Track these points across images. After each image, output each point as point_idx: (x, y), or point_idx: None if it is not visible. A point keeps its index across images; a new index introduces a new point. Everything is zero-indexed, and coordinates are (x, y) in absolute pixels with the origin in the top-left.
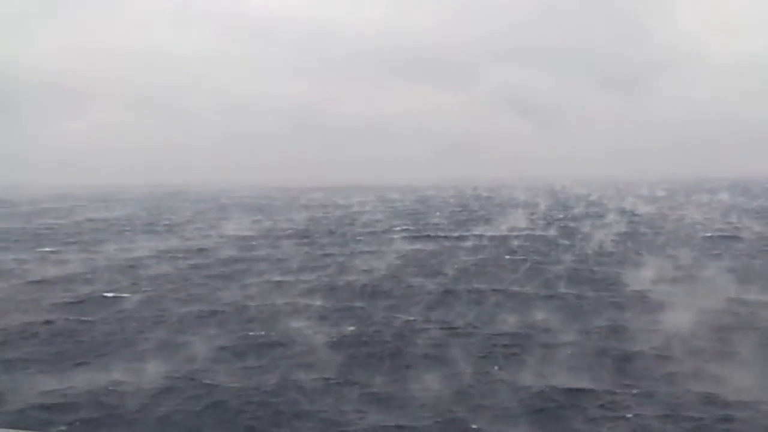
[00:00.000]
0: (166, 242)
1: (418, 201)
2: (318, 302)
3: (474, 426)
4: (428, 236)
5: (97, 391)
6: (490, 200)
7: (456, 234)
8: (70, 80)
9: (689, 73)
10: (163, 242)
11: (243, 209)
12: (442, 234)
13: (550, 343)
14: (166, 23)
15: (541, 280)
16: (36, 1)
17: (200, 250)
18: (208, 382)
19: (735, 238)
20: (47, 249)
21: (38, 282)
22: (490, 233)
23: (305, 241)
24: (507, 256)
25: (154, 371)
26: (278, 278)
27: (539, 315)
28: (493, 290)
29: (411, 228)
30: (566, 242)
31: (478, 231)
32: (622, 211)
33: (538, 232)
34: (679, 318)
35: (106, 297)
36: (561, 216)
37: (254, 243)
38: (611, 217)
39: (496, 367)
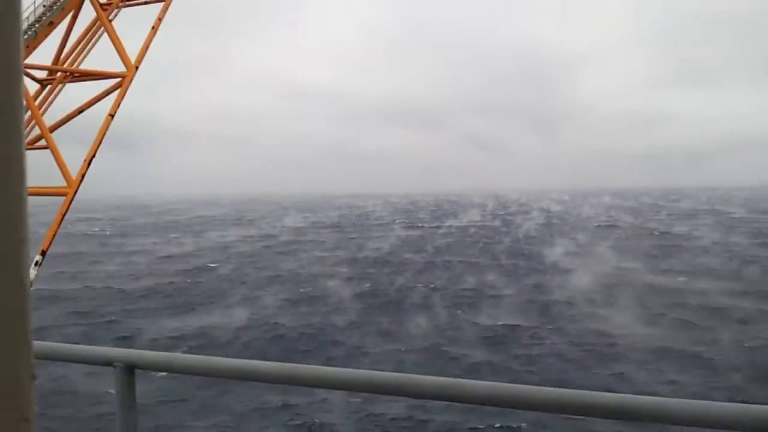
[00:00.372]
0: (247, 231)
1: (410, 204)
2: (344, 269)
3: (447, 350)
4: (416, 226)
5: (202, 328)
6: (456, 203)
7: (434, 225)
8: (184, 126)
9: (584, 121)
10: (245, 231)
11: (297, 209)
12: (426, 225)
13: (496, 295)
14: (245, 87)
15: (489, 254)
16: (164, 72)
17: (269, 236)
18: (274, 322)
19: (615, 227)
20: (172, 236)
21: (165, 257)
22: (456, 224)
23: (337, 229)
24: (467, 239)
25: (238, 315)
26: (319, 254)
27: (489, 277)
28: (459, 261)
29: (405, 221)
30: (505, 229)
31: (448, 222)
32: (541, 209)
33: (487, 223)
34: (580, 279)
35: (209, 267)
36: (502, 212)
37: (304, 231)
38: (534, 213)
39: (460, 312)
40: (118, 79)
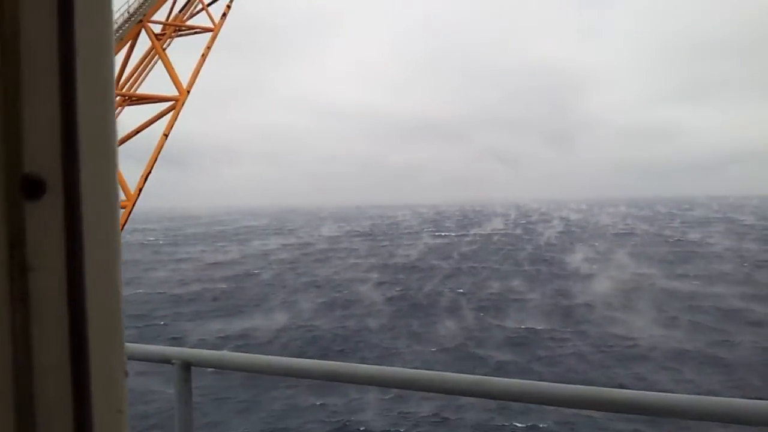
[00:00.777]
0: (287, 239)
1: (436, 214)
2: (376, 275)
3: (476, 352)
4: (443, 235)
5: (245, 329)
6: (480, 213)
7: (460, 233)
8: (231, 144)
9: (598, 133)
10: (284, 239)
11: (332, 219)
12: (452, 233)
13: (520, 300)
14: (285, 108)
15: (512, 261)
16: (213, 95)
17: (307, 244)
18: (312, 324)
19: (632, 234)
20: (219, 244)
21: (213, 264)
22: (480, 232)
23: (369, 238)
24: (491, 246)
25: (278, 318)
26: (353, 261)
27: (513, 282)
28: (483, 267)
29: (432, 230)
30: (527, 237)
31: (473, 231)
32: (561, 218)
33: (510, 231)
34: (599, 284)
35: (252, 273)
36: (524, 221)
37: (339, 239)
38: (554, 222)
39: (485, 315)
40: (172, 102)
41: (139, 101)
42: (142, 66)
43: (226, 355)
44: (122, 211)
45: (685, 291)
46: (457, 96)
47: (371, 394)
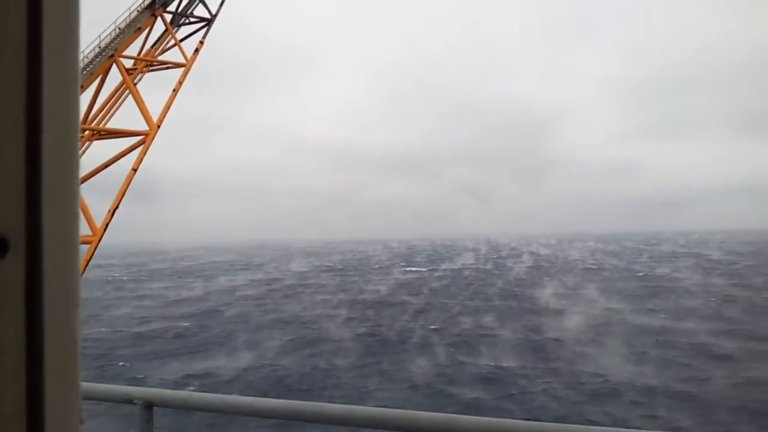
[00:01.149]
0: (254, 275)
1: (407, 248)
2: (345, 312)
3: (449, 390)
4: (413, 270)
5: (208, 369)
6: (450, 247)
7: (430, 268)
8: (198, 179)
9: (566, 170)
10: (252, 275)
11: (302, 254)
12: (422, 268)
13: (491, 336)
14: (256, 142)
15: (483, 296)
16: (182, 128)
17: (275, 279)
18: (278, 363)
19: (601, 269)
20: (184, 280)
21: (175, 301)
22: (451, 267)
23: (339, 273)
24: (462, 281)
25: (243, 356)
26: (321, 297)
27: (484, 319)
28: (454, 303)
29: (403, 264)
30: (498, 272)
31: (444, 266)
32: (531, 253)
33: (480, 266)
34: (570, 320)
35: (216, 310)
36: (494, 256)
37: (308, 275)
38: (524, 256)
39: (458, 353)
40: (141, 137)
41: (109, 136)
42: (112, 100)
43: (189, 394)
44: (87, 246)
45: (655, 326)
46: (430, 132)
47: (340, 430)
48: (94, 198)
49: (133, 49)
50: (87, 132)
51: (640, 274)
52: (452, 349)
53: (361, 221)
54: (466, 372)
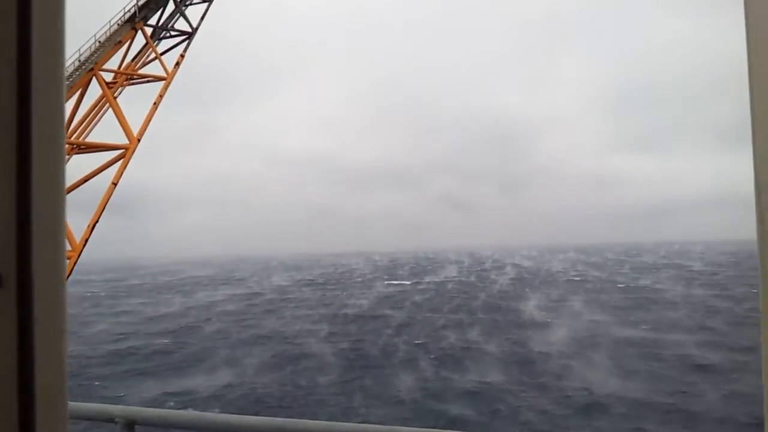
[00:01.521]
0: (235, 290)
1: (390, 261)
2: (326, 327)
3: (435, 407)
4: (396, 283)
5: (187, 387)
6: (434, 260)
7: (414, 281)
8: (182, 191)
9: (547, 182)
10: (232, 290)
11: (283, 268)
12: (405, 281)
13: (476, 349)
14: (238, 155)
15: (466, 310)
16: (164, 140)
17: (255, 294)
18: (257, 381)
19: (584, 281)
20: (163, 296)
21: (152, 317)
22: (434, 280)
23: (320, 287)
24: (445, 295)
25: (222, 374)
26: (302, 312)
27: (468, 333)
28: (437, 316)
29: (386, 278)
30: (481, 285)
31: (427, 279)
32: (513, 265)
33: (464, 279)
34: (555, 332)
35: (194, 326)
36: (478, 268)
37: (289, 289)
38: (507, 268)
39: (444, 368)
40: (122, 150)
41: (88, 149)
42: (92, 114)
43: (169, 412)
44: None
45: (639, 338)
46: (413, 145)
47: None
48: (75, 213)
49: (113, 63)
50: (67, 146)
51: (622, 285)
52: (435, 364)
53: (343, 234)
54: (450, 387)
